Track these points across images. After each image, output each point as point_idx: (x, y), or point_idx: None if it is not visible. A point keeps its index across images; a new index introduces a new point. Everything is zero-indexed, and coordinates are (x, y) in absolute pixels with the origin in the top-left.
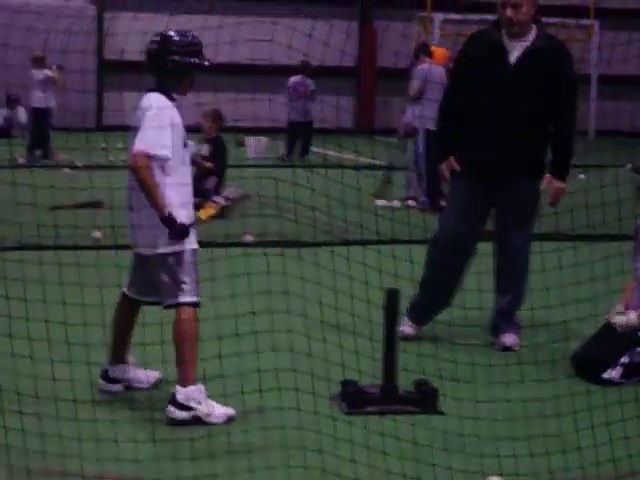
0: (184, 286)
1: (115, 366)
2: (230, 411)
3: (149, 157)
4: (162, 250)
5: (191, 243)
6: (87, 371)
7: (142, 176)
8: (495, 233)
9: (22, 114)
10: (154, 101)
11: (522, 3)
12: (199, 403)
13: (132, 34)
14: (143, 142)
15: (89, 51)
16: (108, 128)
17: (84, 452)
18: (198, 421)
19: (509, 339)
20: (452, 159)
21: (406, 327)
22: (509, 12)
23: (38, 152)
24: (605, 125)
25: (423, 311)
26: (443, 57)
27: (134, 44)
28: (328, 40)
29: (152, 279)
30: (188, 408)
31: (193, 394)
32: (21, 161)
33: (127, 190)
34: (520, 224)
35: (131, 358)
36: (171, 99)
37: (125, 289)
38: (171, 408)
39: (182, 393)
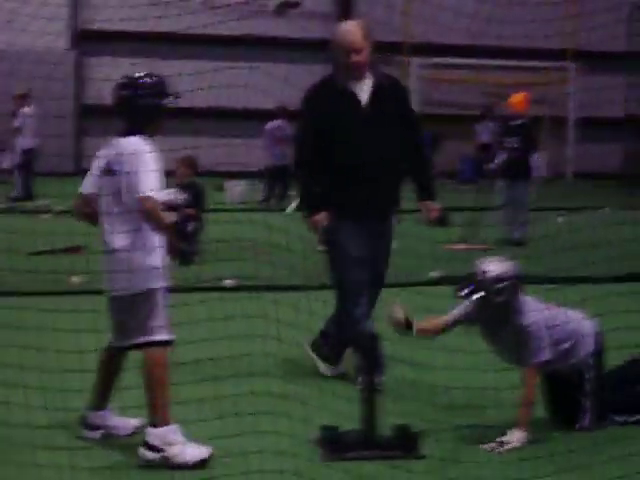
0: (155, 324)
1: (95, 412)
2: (205, 452)
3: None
4: (136, 290)
5: (162, 282)
6: (65, 417)
7: (157, 217)
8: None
9: (7, 159)
10: (140, 145)
11: (363, 47)
12: (170, 444)
13: (111, 79)
14: (149, 187)
15: (68, 96)
16: (87, 172)
17: None
18: (166, 462)
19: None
20: (323, 214)
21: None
22: (354, 57)
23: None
24: (583, 167)
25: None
26: (524, 102)
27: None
28: (305, 84)
29: (126, 320)
30: (158, 449)
31: (164, 435)
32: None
33: (105, 234)
34: (387, 258)
35: (110, 405)
36: (147, 142)
37: (110, 340)
38: (142, 449)
39: (153, 434)
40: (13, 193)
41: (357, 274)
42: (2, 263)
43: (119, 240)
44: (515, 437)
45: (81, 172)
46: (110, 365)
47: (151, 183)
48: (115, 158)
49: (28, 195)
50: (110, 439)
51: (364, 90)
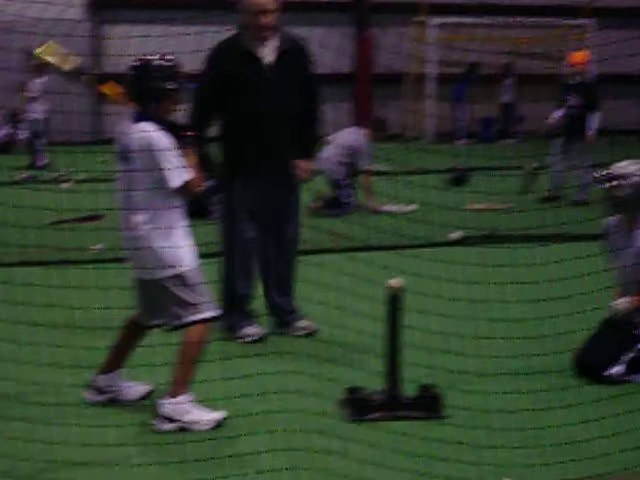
0: (198, 302)
1: (105, 374)
2: (219, 415)
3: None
4: (168, 273)
5: (193, 262)
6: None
7: (193, 192)
8: (262, 230)
9: (23, 130)
10: (152, 135)
11: (273, 9)
12: (186, 413)
13: (128, 47)
14: (177, 177)
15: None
16: (106, 141)
17: (73, 457)
18: (184, 430)
19: (305, 322)
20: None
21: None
22: (264, 19)
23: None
24: (605, 123)
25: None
26: (584, 60)
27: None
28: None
29: (163, 303)
30: (174, 420)
31: (178, 404)
32: (21, 176)
33: (125, 219)
34: (295, 216)
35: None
36: (158, 125)
37: (139, 316)
38: (157, 421)
39: (168, 406)
40: (39, 162)
41: (248, 230)
42: (24, 233)
43: (141, 224)
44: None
45: (99, 142)
46: (132, 333)
47: (177, 172)
48: (129, 145)
49: (46, 163)
50: (118, 404)
51: (268, 52)
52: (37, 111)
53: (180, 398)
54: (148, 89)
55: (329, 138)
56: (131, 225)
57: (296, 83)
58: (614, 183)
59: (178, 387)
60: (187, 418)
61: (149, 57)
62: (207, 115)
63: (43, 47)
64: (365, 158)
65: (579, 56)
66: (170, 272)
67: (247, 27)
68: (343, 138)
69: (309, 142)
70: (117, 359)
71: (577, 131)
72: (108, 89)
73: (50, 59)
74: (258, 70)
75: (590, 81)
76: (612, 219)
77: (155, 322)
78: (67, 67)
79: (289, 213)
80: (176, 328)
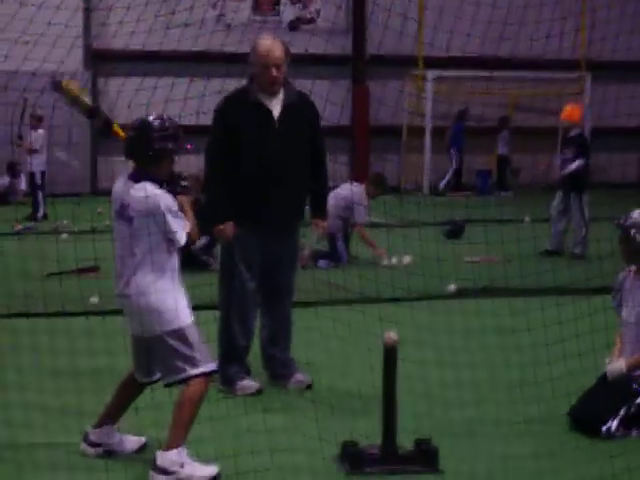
0: (197, 357)
1: (99, 428)
2: (212, 470)
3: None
4: (164, 329)
5: (187, 317)
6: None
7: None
8: (260, 281)
9: (23, 182)
10: (153, 193)
11: (282, 63)
12: (181, 466)
13: (121, 98)
14: (182, 232)
15: (82, 119)
16: (103, 193)
17: None
18: None
19: (302, 376)
20: (229, 223)
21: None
22: (275, 72)
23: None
24: (597, 177)
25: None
26: (577, 113)
27: (124, 108)
28: (326, 99)
29: (156, 358)
30: (169, 472)
31: (174, 457)
32: (18, 228)
33: (121, 278)
34: (293, 268)
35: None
36: (158, 184)
37: (134, 373)
38: (152, 473)
39: (163, 457)
40: (39, 213)
41: (249, 283)
42: (19, 285)
43: (141, 282)
44: (619, 363)
45: (97, 193)
46: (129, 390)
47: (182, 229)
48: (129, 204)
49: (43, 215)
50: (113, 457)
51: (276, 105)
52: (37, 163)
53: (173, 452)
54: (148, 150)
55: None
56: (130, 283)
57: (304, 136)
58: (631, 232)
59: (175, 440)
60: (183, 471)
61: (149, 117)
62: (220, 167)
63: (66, 80)
64: (362, 213)
65: (572, 109)
66: (169, 327)
67: (257, 79)
68: (341, 192)
69: (322, 199)
70: (112, 414)
71: (573, 184)
72: (118, 129)
73: (76, 91)
74: (268, 122)
75: (582, 134)
76: (623, 273)
77: (152, 379)
78: (87, 101)
79: (289, 265)
80: (174, 383)
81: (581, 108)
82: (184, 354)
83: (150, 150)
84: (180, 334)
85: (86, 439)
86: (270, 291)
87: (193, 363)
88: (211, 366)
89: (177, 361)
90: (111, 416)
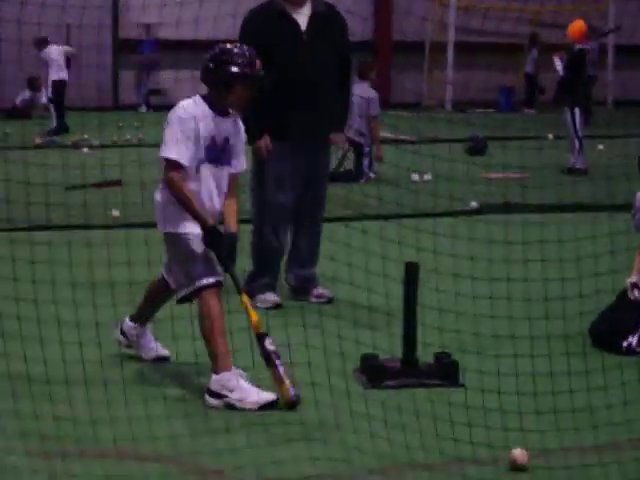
0: (194, 271)
1: (133, 323)
2: (269, 397)
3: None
4: (168, 229)
5: (193, 229)
6: (98, 351)
7: (177, 189)
8: (296, 195)
9: (44, 95)
10: (179, 108)
11: None
12: (231, 390)
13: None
14: (168, 150)
15: (105, 26)
16: (124, 107)
17: (100, 434)
18: (231, 408)
19: (324, 290)
20: (265, 137)
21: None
22: None
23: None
24: (623, 94)
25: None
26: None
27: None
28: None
29: (170, 261)
30: (220, 396)
31: (225, 381)
32: (38, 141)
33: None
34: (324, 183)
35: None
36: (213, 109)
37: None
38: (206, 395)
39: (214, 381)
40: (55, 125)
41: (281, 197)
42: (41, 198)
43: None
44: None
45: (119, 107)
46: (158, 288)
47: (171, 146)
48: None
49: (63, 128)
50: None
51: (303, 16)
52: (54, 76)
53: (224, 375)
54: (214, 73)
55: None
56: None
57: (331, 47)
58: None
59: (214, 360)
60: (232, 396)
61: (224, 45)
62: None
63: None
64: (377, 105)
65: (570, 27)
66: (171, 229)
67: None
68: (355, 93)
69: (343, 113)
70: (145, 311)
71: (563, 98)
72: None
73: None
74: (295, 33)
75: (581, 49)
76: None
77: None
78: None
79: (320, 180)
80: (182, 301)
81: (581, 25)
82: (183, 266)
83: (215, 73)
84: (176, 240)
85: (120, 326)
86: (301, 206)
87: (188, 277)
88: (211, 279)
89: (179, 275)
90: (143, 314)
